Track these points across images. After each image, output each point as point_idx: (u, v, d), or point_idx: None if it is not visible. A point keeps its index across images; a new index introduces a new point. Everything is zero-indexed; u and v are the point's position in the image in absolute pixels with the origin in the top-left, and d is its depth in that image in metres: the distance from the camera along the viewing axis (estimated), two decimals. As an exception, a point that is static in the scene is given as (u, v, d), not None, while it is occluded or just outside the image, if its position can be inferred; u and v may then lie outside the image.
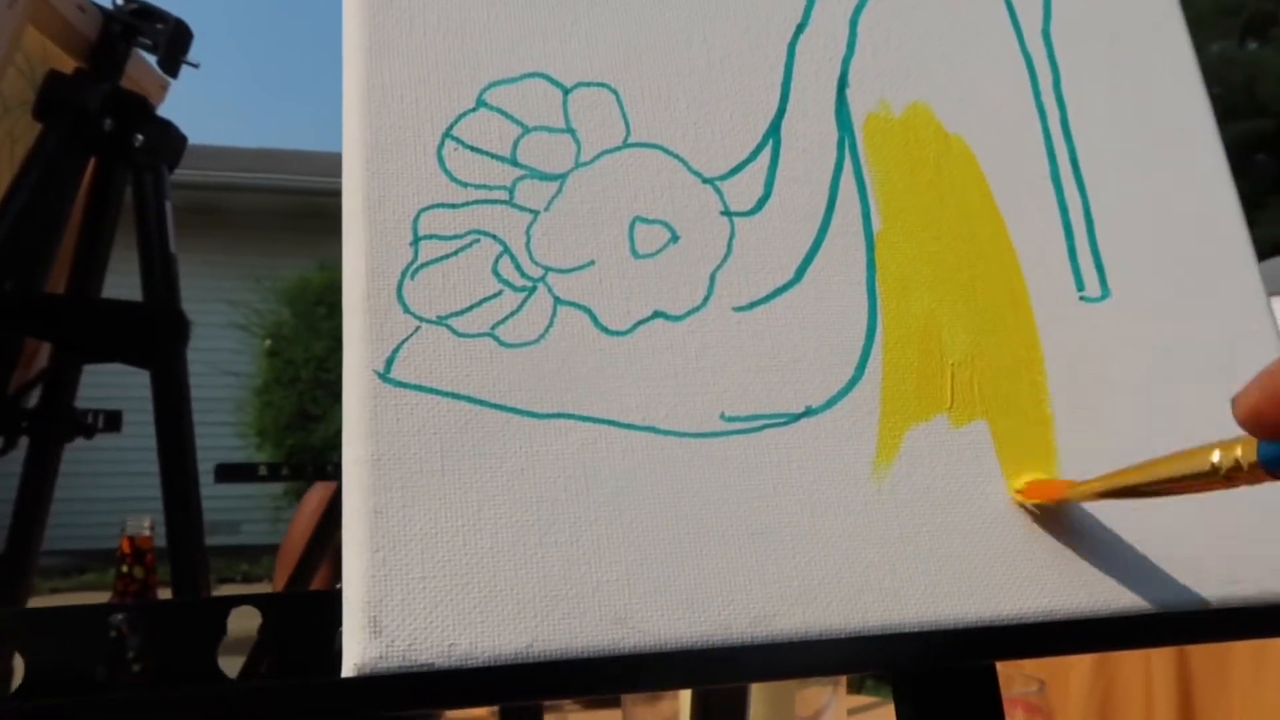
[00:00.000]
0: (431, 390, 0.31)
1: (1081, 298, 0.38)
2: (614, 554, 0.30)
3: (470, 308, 0.32)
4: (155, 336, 0.87)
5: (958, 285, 0.37)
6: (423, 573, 0.29)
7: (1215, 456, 0.26)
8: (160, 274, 0.88)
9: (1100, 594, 0.33)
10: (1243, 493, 0.26)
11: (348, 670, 0.28)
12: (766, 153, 0.37)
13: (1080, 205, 0.39)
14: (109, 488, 4.52)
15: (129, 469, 4.23)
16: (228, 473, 1.14)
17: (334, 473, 1.11)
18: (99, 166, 0.90)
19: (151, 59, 0.93)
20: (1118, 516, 0.34)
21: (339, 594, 0.30)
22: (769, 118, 0.38)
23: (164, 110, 0.93)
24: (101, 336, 0.87)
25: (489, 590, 0.29)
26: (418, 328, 0.32)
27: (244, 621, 0.33)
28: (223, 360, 5.12)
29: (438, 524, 0.29)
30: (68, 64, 0.86)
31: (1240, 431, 0.24)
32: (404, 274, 0.32)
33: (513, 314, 0.33)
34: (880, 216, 0.37)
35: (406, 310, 0.32)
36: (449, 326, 0.32)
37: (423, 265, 0.32)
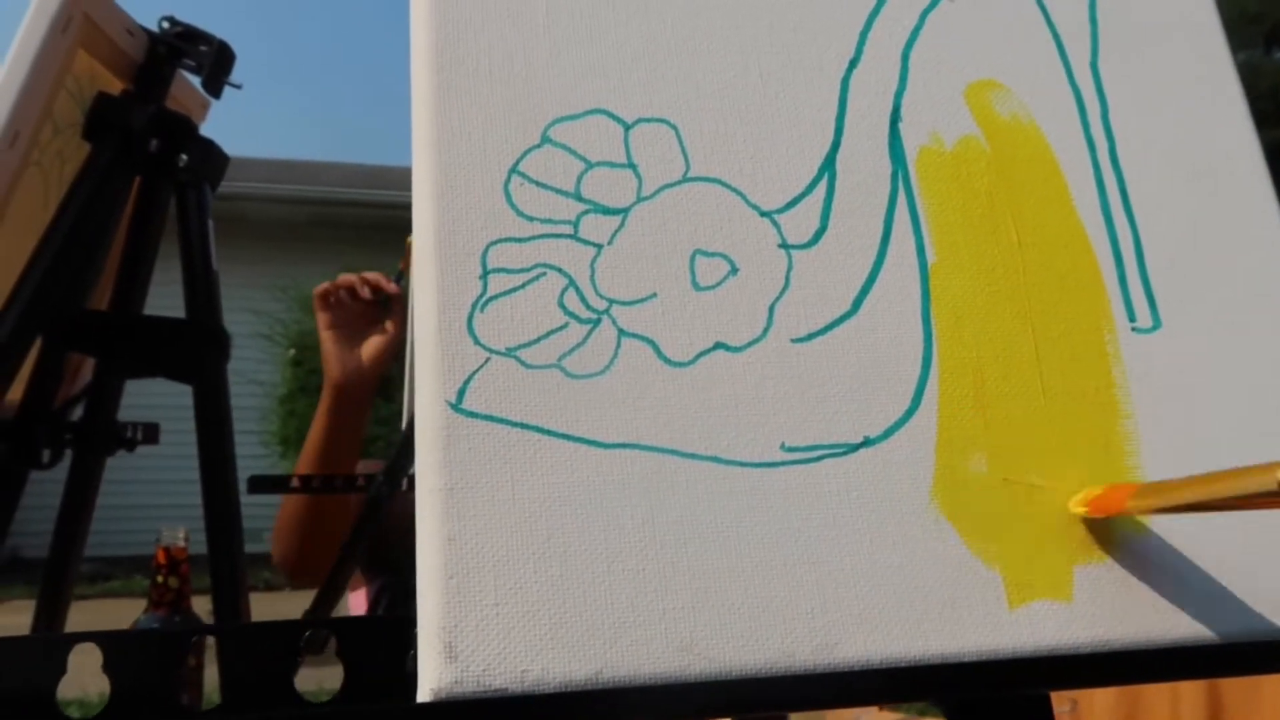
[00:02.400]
0: (502, 420, 0.32)
1: (1134, 329, 0.38)
2: (679, 582, 0.31)
3: (538, 340, 0.33)
4: (198, 353, 0.89)
5: (1012, 317, 0.37)
6: (495, 599, 0.30)
7: None
8: (202, 291, 0.89)
9: (1157, 624, 0.33)
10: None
11: (423, 695, 0.29)
12: (822, 186, 0.38)
13: (1130, 237, 0.40)
14: (131, 495, 4.56)
15: (151, 476, 4.27)
16: (261, 484, 1.15)
17: (364, 486, 1.12)
18: (143, 185, 0.91)
19: (195, 79, 0.95)
20: (1175, 543, 0.35)
21: (411, 619, 0.30)
22: (824, 152, 0.38)
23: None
24: (145, 352, 0.89)
25: (559, 617, 0.30)
26: (488, 359, 0.32)
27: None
28: (247, 369, 5.16)
29: (509, 552, 0.30)
30: (115, 85, 0.87)
31: None
32: (474, 306, 0.33)
33: (578, 346, 0.33)
34: (934, 249, 0.38)
35: (477, 342, 0.33)
36: (518, 358, 0.33)
37: (492, 298, 0.33)
